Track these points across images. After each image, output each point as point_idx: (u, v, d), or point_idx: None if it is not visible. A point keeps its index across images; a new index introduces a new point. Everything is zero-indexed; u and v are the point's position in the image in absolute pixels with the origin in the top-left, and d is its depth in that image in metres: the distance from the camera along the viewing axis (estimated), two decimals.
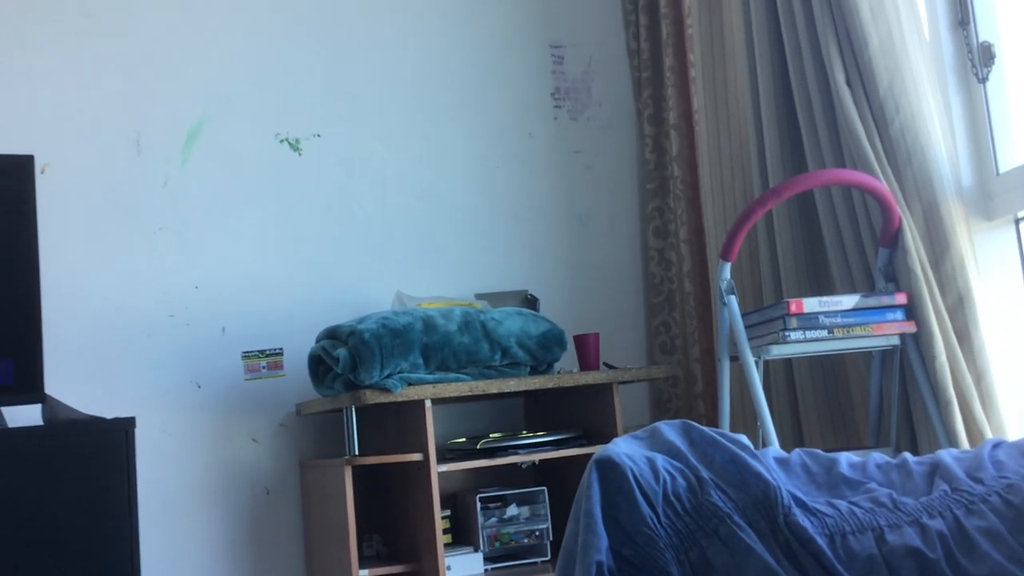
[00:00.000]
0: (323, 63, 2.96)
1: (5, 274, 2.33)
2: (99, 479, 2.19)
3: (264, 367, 2.75)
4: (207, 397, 2.69)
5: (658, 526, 1.16)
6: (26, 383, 2.31)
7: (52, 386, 2.42)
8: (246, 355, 2.75)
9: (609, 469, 1.20)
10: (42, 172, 2.61)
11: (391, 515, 2.63)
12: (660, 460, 1.22)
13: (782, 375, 2.51)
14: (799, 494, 1.23)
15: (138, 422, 2.28)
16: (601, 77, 3.29)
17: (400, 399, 2.35)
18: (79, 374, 2.57)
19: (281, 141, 2.88)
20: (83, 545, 2.14)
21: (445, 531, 2.55)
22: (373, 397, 2.33)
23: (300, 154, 2.89)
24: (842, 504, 1.23)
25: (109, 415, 2.32)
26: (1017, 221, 2.26)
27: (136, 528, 2.19)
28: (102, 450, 2.21)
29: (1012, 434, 2.03)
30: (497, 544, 2.52)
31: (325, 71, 2.95)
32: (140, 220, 2.70)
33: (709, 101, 2.79)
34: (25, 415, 2.36)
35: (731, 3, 2.66)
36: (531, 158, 3.16)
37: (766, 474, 1.22)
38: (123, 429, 2.23)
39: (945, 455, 1.37)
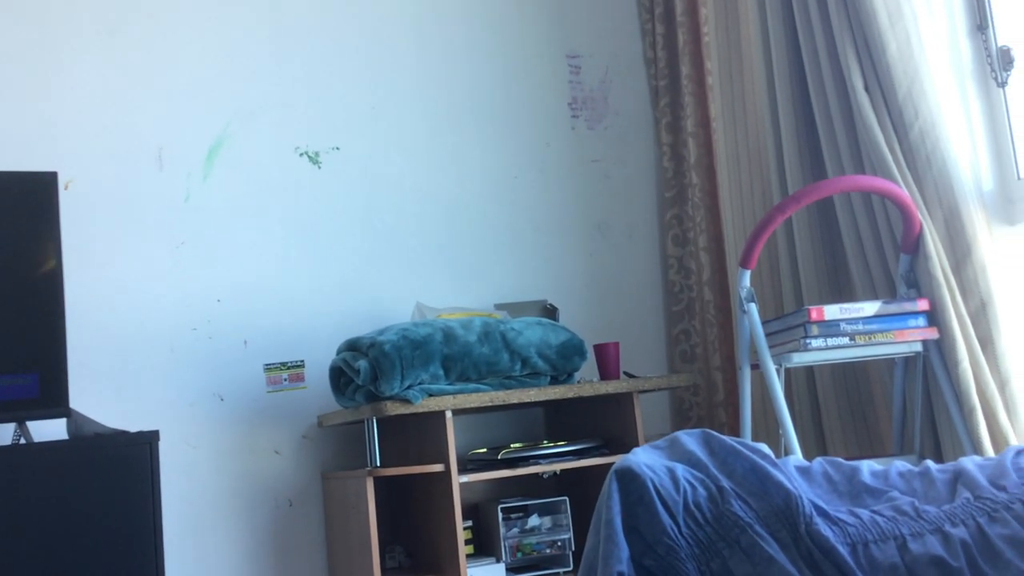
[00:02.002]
0: (341, 76, 2.98)
1: (30, 289, 2.36)
2: (124, 492, 2.20)
3: (286, 379, 2.77)
4: (230, 409, 2.71)
5: (679, 536, 1.16)
6: (51, 397, 2.33)
7: (77, 400, 2.44)
8: (268, 367, 2.76)
9: (629, 479, 1.20)
10: (65, 188, 2.64)
11: (413, 526, 2.63)
12: (680, 470, 1.22)
13: (804, 383, 2.50)
14: (821, 503, 1.22)
15: (162, 435, 2.30)
16: (618, 86, 3.29)
17: (421, 410, 2.36)
18: (103, 388, 2.59)
19: (301, 154, 2.90)
20: (108, 558, 2.15)
21: (467, 542, 2.55)
22: (394, 408, 2.34)
23: (320, 167, 2.91)
24: (864, 513, 1.22)
25: (133, 428, 2.34)
26: None
27: (161, 541, 2.21)
28: (126, 463, 2.22)
29: None
30: (519, 554, 2.52)
31: (343, 84, 2.97)
32: (162, 234, 2.72)
33: (727, 108, 2.79)
34: (50, 429, 2.38)
35: (747, 11, 2.66)
36: (549, 168, 3.16)
37: (787, 483, 1.22)
38: (147, 442, 2.25)
39: (968, 463, 1.36)
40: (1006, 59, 2.26)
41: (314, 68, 2.95)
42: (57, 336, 2.36)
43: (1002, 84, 2.26)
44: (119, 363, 2.62)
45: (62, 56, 2.70)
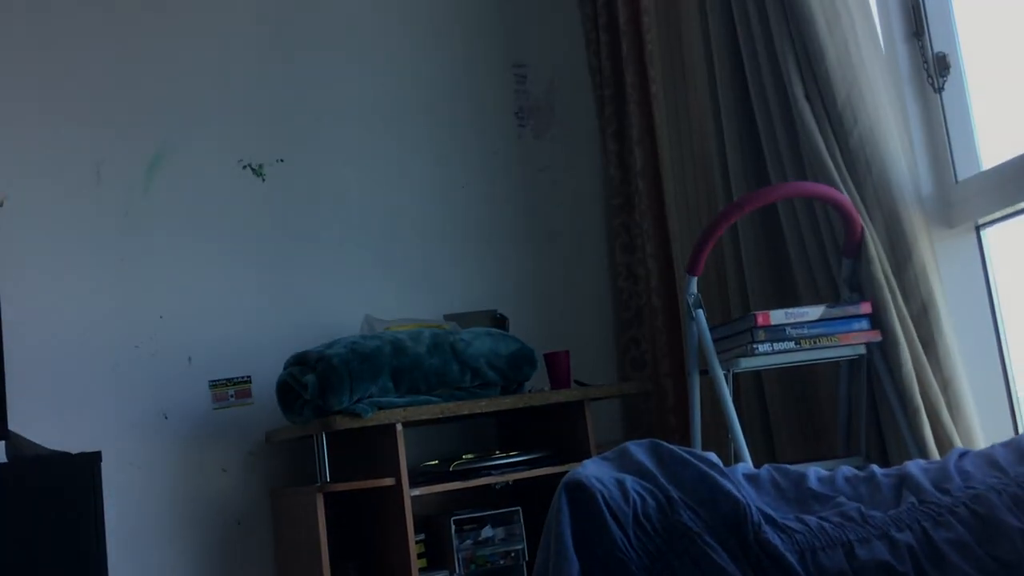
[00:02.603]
0: (284, 88, 2.94)
1: None
2: (66, 515, 2.15)
3: (232, 395, 2.73)
4: (175, 428, 2.66)
5: (629, 548, 1.16)
6: None
7: (15, 422, 2.38)
8: (213, 384, 2.72)
9: (578, 492, 1.19)
10: (1, 205, 2.58)
11: (365, 541, 2.61)
12: (630, 481, 1.22)
13: (752, 387, 2.52)
14: (769, 510, 1.23)
15: (105, 455, 2.25)
16: (564, 95, 3.30)
17: (371, 423, 2.34)
18: (43, 408, 2.53)
19: (244, 167, 2.86)
20: None
21: (420, 555, 2.53)
22: (343, 423, 2.32)
23: (264, 179, 2.88)
24: (812, 519, 1.23)
25: (75, 450, 2.28)
26: (978, 228, 2.28)
27: (105, 563, 2.16)
28: (68, 485, 2.17)
29: (980, 441, 2.05)
30: (473, 566, 2.50)
31: (287, 96, 2.94)
32: (102, 251, 2.67)
33: (671, 116, 2.81)
34: None
35: (689, 19, 2.68)
36: (497, 177, 3.16)
37: (735, 491, 1.22)
38: (89, 463, 2.20)
39: (912, 466, 1.38)
40: (942, 65, 2.30)
41: (257, 79, 2.92)
42: None
43: (939, 89, 2.30)
44: (59, 382, 2.56)
45: None
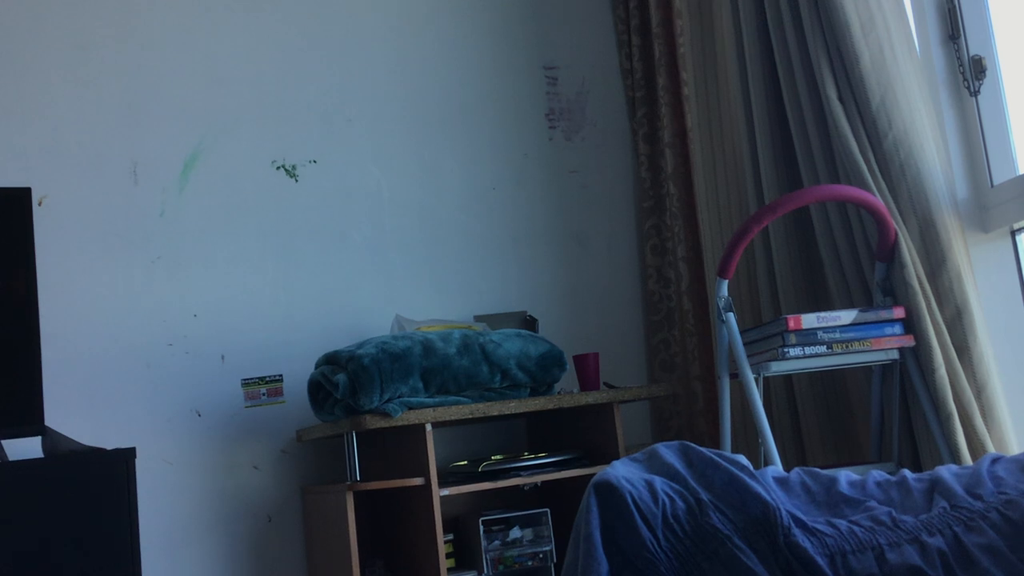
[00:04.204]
0: (318, 89, 2.97)
1: (4, 306, 2.34)
2: (100, 510, 2.18)
3: (264, 394, 2.75)
4: (207, 425, 2.69)
5: (658, 550, 1.16)
6: (25, 415, 2.30)
7: (52, 418, 2.42)
8: (246, 382, 2.74)
9: (608, 493, 1.19)
10: (39, 204, 2.62)
11: (394, 540, 2.62)
12: (659, 483, 1.22)
13: (783, 391, 2.51)
14: (799, 514, 1.23)
15: (139, 452, 2.28)
16: (595, 97, 3.30)
17: (400, 423, 2.35)
18: (79, 405, 2.56)
19: (277, 168, 2.89)
20: None
21: (448, 555, 2.54)
22: (373, 422, 2.33)
23: (297, 180, 2.90)
24: (842, 523, 1.22)
25: (109, 446, 2.32)
26: (1013, 232, 2.26)
27: (138, 559, 2.18)
28: (103, 481, 2.20)
29: (1013, 447, 2.02)
30: (501, 567, 2.51)
31: (320, 97, 2.97)
32: (138, 250, 2.70)
33: (703, 119, 2.80)
34: (25, 448, 2.35)
35: (722, 22, 2.68)
36: (527, 179, 3.17)
37: (765, 495, 1.22)
38: (123, 460, 2.22)
39: (944, 471, 1.37)
40: (978, 68, 2.28)
41: (291, 80, 2.94)
42: (31, 353, 2.34)
43: (974, 93, 2.28)
44: (95, 380, 2.60)
45: (33, 71, 2.68)
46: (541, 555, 2.54)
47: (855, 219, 2.23)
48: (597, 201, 3.23)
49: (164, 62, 2.81)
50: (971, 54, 2.29)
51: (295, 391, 2.76)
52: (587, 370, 2.71)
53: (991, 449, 1.99)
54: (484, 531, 2.50)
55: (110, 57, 2.76)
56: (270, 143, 2.89)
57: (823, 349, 2.03)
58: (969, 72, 2.29)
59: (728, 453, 1.31)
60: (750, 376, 2.06)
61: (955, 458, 1.98)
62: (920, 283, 2.09)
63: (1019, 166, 2.23)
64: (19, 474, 2.15)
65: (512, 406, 2.47)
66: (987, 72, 2.27)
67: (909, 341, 2.06)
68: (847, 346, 2.05)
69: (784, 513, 1.19)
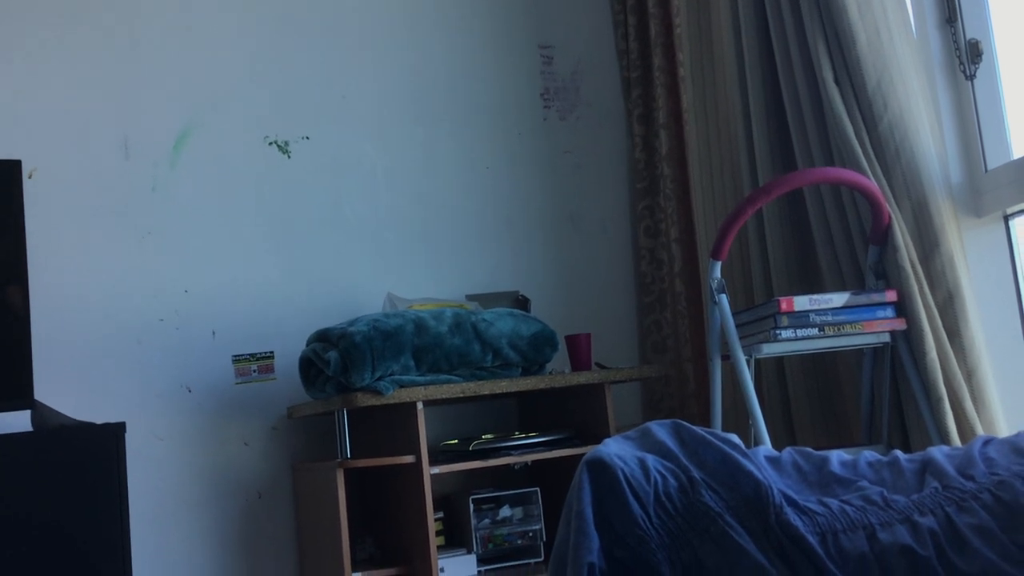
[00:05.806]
0: (311, 65, 2.95)
1: None
2: (90, 485, 2.18)
3: (255, 370, 2.75)
4: (198, 401, 2.68)
5: (650, 527, 1.16)
6: (15, 389, 2.29)
7: (42, 392, 2.41)
8: (237, 359, 2.74)
9: (600, 470, 1.19)
10: (30, 177, 2.60)
11: (384, 517, 2.62)
12: (651, 460, 1.22)
13: (774, 373, 2.51)
14: (790, 493, 1.23)
15: (129, 427, 2.27)
16: (590, 77, 3.29)
17: (392, 401, 2.35)
18: (69, 379, 2.55)
19: (270, 144, 2.87)
20: (74, 551, 2.13)
21: (438, 533, 2.55)
22: (364, 400, 2.33)
23: (289, 156, 2.89)
24: (833, 503, 1.23)
25: (99, 420, 2.31)
26: (1006, 217, 2.26)
27: (127, 533, 2.18)
28: (92, 456, 2.20)
29: (1003, 431, 2.03)
30: (490, 545, 2.51)
31: (314, 73, 2.95)
32: (129, 224, 2.69)
33: (698, 100, 2.79)
34: (14, 421, 2.35)
35: (719, 2, 2.66)
36: (521, 159, 3.15)
37: (757, 473, 1.22)
38: (113, 434, 2.22)
39: (936, 452, 1.37)
40: (974, 52, 2.27)
41: (284, 56, 2.92)
42: (21, 327, 2.32)
43: (970, 77, 2.28)
44: (85, 354, 2.59)
45: (23, 43, 2.65)
46: (531, 534, 2.55)
47: (848, 202, 2.23)
48: (591, 182, 3.22)
49: (156, 35, 2.79)
50: (968, 38, 2.29)
51: (286, 368, 2.75)
52: (579, 350, 2.71)
53: (981, 433, 2.00)
54: (474, 509, 2.51)
55: (102, 29, 2.73)
56: (263, 119, 2.87)
57: (815, 332, 2.04)
58: (965, 56, 2.28)
59: (720, 432, 1.31)
60: (742, 358, 2.06)
61: (945, 441, 1.99)
62: (913, 267, 2.09)
63: (1014, 151, 2.23)
64: (8, 448, 2.14)
65: (503, 385, 2.47)
66: (983, 56, 2.26)
67: (901, 324, 2.07)
68: (839, 329, 2.05)
69: (776, 492, 1.20)
